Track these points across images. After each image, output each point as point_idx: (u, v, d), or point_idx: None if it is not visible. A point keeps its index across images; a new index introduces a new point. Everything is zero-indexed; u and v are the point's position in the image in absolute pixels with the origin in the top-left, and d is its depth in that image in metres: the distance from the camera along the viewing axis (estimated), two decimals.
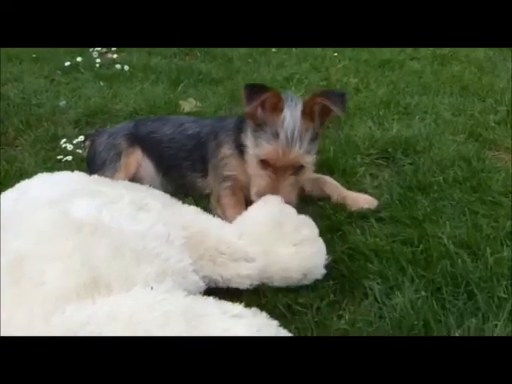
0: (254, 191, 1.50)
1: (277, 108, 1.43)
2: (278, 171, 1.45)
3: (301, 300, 1.24)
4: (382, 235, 1.46)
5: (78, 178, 1.37)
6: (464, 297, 1.22)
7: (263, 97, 1.40)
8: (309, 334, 1.13)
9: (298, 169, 1.47)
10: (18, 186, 1.34)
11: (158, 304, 0.88)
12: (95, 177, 1.42)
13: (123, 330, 0.84)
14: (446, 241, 1.40)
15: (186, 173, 1.71)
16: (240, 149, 1.57)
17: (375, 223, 1.52)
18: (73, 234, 1.01)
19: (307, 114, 1.44)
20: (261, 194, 1.45)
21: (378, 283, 1.28)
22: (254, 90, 1.43)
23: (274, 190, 1.45)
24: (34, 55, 3.64)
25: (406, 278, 1.28)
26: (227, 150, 1.60)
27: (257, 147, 1.47)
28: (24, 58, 3.62)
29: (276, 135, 1.42)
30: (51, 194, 1.20)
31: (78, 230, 1.02)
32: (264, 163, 1.47)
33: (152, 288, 0.93)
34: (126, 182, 1.47)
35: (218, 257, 1.25)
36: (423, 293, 1.21)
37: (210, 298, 0.96)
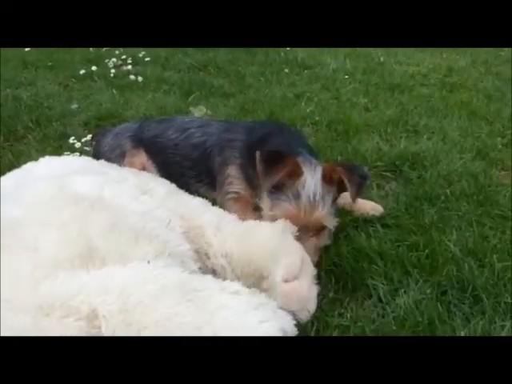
0: None
1: (296, 173, 1.34)
2: (299, 232, 1.31)
3: None
4: (387, 240, 1.44)
5: (84, 161, 1.36)
6: (470, 301, 1.19)
7: (283, 169, 1.30)
8: (308, 328, 1.09)
9: (319, 230, 1.36)
10: (24, 166, 1.35)
11: (153, 277, 0.85)
12: (102, 161, 1.41)
13: (114, 301, 0.81)
14: (452, 247, 1.37)
15: (190, 182, 1.66)
16: (247, 173, 1.52)
17: (381, 228, 1.49)
18: (70, 205, 1.00)
19: (327, 179, 1.35)
20: None
21: (382, 284, 1.24)
22: (273, 159, 1.33)
23: None
24: (49, 63, 3.73)
25: (411, 280, 1.25)
26: (233, 170, 1.55)
27: (275, 208, 1.36)
28: (40, 66, 3.71)
29: (297, 195, 1.32)
30: (55, 172, 1.19)
31: (76, 202, 1.00)
32: None
33: (149, 262, 0.90)
34: (133, 169, 1.46)
35: (207, 261, 1.22)
36: (428, 292, 1.17)
37: (209, 276, 0.93)
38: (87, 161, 1.40)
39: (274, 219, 1.33)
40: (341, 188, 1.37)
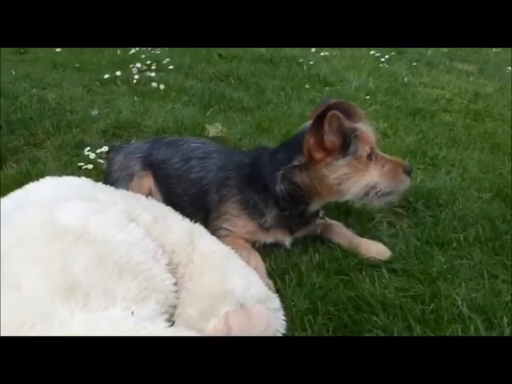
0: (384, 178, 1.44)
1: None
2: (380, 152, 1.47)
3: None
4: (392, 288, 1.39)
5: (81, 183, 1.34)
6: None
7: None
8: None
9: None
10: (26, 186, 1.33)
11: (135, 332, 0.83)
12: (98, 184, 1.39)
13: None
14: (459, 303, 1.31)
15: (189, 217, 1.56)
16: (250, 206, 1.51)
17: (386, 274, 1.45)
18: (55, 239, 0.98)
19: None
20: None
21: None
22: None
23: (399, 162, 1.49)
24: (77, 65, 3.80)
25: None
26: (231, 208, 1.53)
27: (358, 148, 1.40)
28: (68, 67, 3.80)
29: (359, 128, 1.41)
30: (47, 197, 1.17)
31: (61, 236, 0.99)
32: (368, 157, 1.43)
33: (133, 313, 0.88)
34: (126, 192, 1.43)
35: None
36: None
37: (193, 332, 0.90)
38: (83, 183, 1.36)
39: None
40: None
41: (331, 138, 1.39)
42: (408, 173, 1.46)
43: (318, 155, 1.42)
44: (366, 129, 1.44)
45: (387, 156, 1.48)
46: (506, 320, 1.25)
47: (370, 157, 1.43)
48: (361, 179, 1.42)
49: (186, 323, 0.97)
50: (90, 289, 0.90)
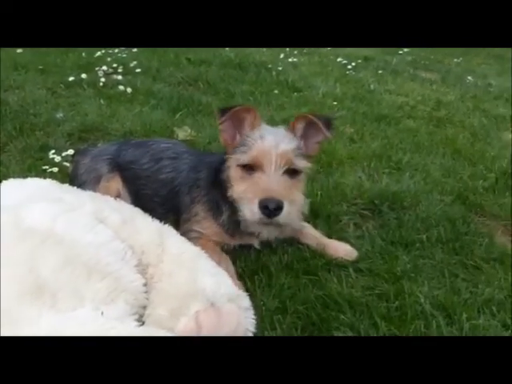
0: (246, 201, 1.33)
1: (255, 124, 1.40)
2: (268, 172, 1.33)
3: None
4: (359, 286, 1.43)
5: (47, 185, 1.30)
6: None
7: (235, 109, 1.37)
8: None
9: (291, 172, 1.36)
10: None
11: (104, 332, 0.82)
12: (65, 185, 1.36)
13: None
14: (422, 300, 1.36)
15: (159, 218, 1.54)
16: (215, 208, 1.52)
17: (353, 273, 1.49)
18: (22, 241, 0.96)
19: (290, 129, 1.42)
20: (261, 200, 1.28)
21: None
22: (226, 108, 1.40)
23: (267, 192, 1.29)
24: (40, 66, 3.69)
25: (377, 334, 1.24)
26: (201, 210, 1.53)
27: (242, 155, 1.36)
28: (30, 68, 3.68)
29: (261, 137, 1.36)
30: (13, 199, 1.15)
31: (27, 238, 0.97)
32: (251, 168, 1.36)
33: (102, 313, 0.87)
34: (93, 193, 1.40)
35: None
36: None
37: (163, 331, 0.89)
38: (49, 184, 1.33)
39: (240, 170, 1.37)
40: (308, 138, 1.44)
41: (229, 133, 1.43)
42: (262, 207, 1.28)
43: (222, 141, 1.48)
44: (263, 144, 1.35)
45: (268, 181, 1.33)
46: (465, 316, 1.31)
47: (253, 169, 1.36)
48: (233, 185, 1.40)
49: (156, 323, 0.97)
50: (58, 290, 0.89)
